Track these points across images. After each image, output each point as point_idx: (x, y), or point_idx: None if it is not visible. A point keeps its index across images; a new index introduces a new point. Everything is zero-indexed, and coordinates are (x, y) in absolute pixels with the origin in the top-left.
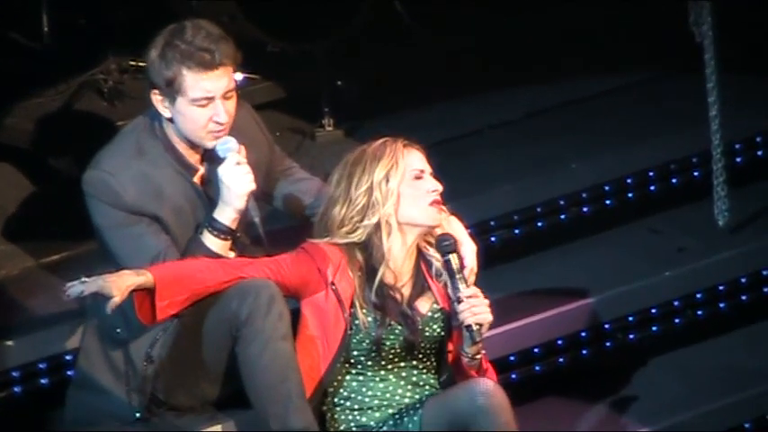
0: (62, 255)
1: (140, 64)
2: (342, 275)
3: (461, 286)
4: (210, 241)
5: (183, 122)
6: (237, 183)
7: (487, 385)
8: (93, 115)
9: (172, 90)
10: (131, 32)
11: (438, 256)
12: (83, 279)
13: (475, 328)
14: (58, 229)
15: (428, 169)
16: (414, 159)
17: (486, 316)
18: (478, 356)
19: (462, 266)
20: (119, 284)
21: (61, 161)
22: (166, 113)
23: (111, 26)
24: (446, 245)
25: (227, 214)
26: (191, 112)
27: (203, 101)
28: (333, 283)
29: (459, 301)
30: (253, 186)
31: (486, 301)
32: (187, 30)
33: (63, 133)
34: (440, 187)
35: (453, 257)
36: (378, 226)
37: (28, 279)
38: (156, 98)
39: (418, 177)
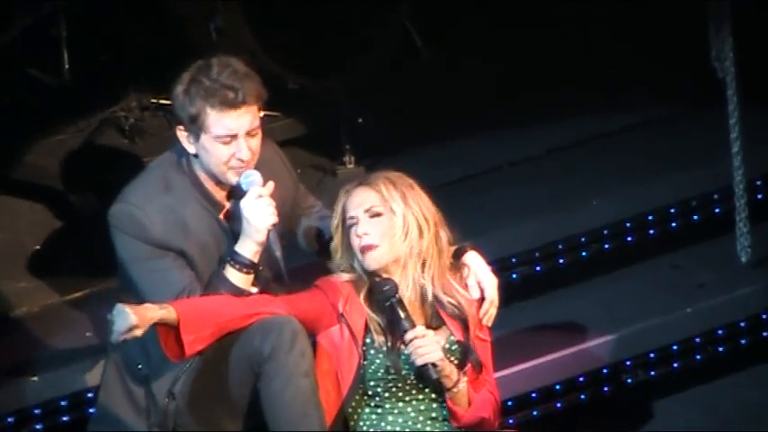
0: (83, 292)
1: (161, 101)
2: (352, 306)
3: (407, 326)
4: (233, 275)
5: (207, 158)
6: (258, 216)
7: None
8: (113, 152)
9: (195, 126)
10: (152, 70)
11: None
12: (108, 317)
13: (429, 367)
14: (79, 266)
15: (364, 208)
16: (349, 205)
17: (435, 354)
18: (456, 390)
19: (405, 308)
20: (142, 316)
21: (82, 198)
22: (191, 149)
23: (132, 63)
24: (386, 290)
25: (248, 247)
26: (214, 149)
27: (226, 138)
28: (343, 315)
29: (407, 343)
30: (274, 220)
31: (434, 339)
32: (213, 67)
33: (84, 170)
34: (365, 230)
35: (395, 300)
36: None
37: (49, 316)
38: (182, 133)
39: (351, 225)
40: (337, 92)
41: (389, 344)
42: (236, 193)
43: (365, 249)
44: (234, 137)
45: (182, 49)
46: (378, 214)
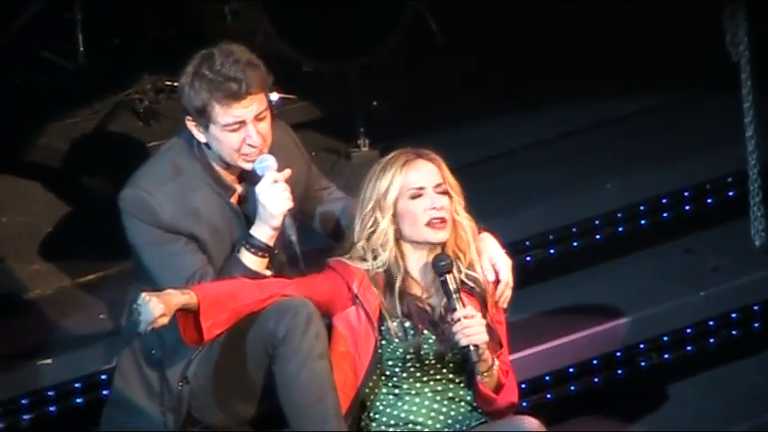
0: (97, 274)
1: (175, 84)
2: (366, 289)
3: (458, 306)
4: (248, 258)
5: (219, 147)
6: (274, 201)
7: (532, 425)
8: (128, 135)
9: (203, 118)
10: (166, 52)
11: (458, 273)
12: (135, 308)
13: (471, 348)
14: (93, 248)
15: (432, 183)
16: (414, 176)
17: (480, 336)
18: (488, 374)
19: (459, 287)
20: (167, 302)
21: (96, 181)
22: (201, 138)
23: (146, 46)
24: (442, 265)
25: (264, 232)
26: (224, 138)
27: (235, 125)
28: (357, 297)
29: (454, 322)
30: (289, 205)
31: (482, 321)
32: (216, 58)
33: (98, 153)
34: (441, 203)
35: (449, 277)
36: (385, 243)
37: (63, 299)
38: (191, 124)
39: (415, 196)
40: (352, 75)
41: (408, 326)
42: (249, 177)
43: (438, 223)
44: (242, 123)
45: (196, 32)
46: (445, 192)
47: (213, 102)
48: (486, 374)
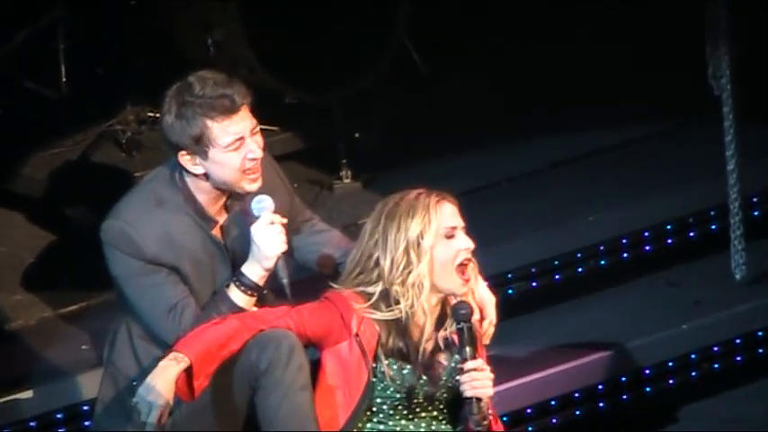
0: (79, 305)
1: (158, 115)
2: (366, 326)
3: (470, 356)
4: (236, 295)
5: (221, 171)
6: (269, 243)
7: None
8: (110, 166)
9: (201, 145)
10: (149, 83)
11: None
12: (134, 406)
13: (475, 401)
14: (76, 279)
15: (461, 224)
16: (446, 215)
17: (486, 390)
18: (483, 424)
19: (475, 337)
20: (166, 381)
21: (78, 211)
22: (199, 170)
23: (130, 77)
24: (463, 313)
25: (255, 271)
26: (226, 159)
27: (235, 143)
28: (357, 335)
29: (463, 372)
30: (284, 248)
31: (490, 375)
32: (194, 84)
33: (80, 183)
34: (471, 245)
35: (466, 327)
36: (421, 288)
37: (45, 329)
38: (185, 159)
39: (450, 236)
40: (335, 107)
41: (404, 367)
42: (231, 208)
43: (465, 264)
44: (241, 140)
45: (179, 64)
46: (467, 232)
47: (209, 123)
48: (480, 425)
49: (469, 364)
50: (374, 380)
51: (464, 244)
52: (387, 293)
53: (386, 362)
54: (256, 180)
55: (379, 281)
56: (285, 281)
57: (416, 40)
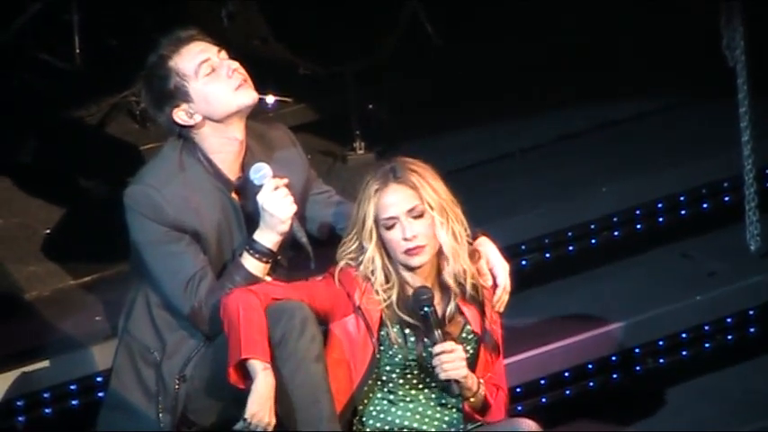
0: (94, 276)
1: None
2: (368, 298)
3: (438, 340)
4: (251, 264)
5: (215, 100)
6: (279, 208)
7: (530, 427)
8: (124, 137)
9: (182, 87)
10: None
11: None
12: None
13: (452, 384)
14: (91, 249)
15: (404, 210)
16: (385, 205)
17: (459, 372)
18: (474, 399)
19: (441, 320)
20: (266, 403)
21: (92, 182)
22: (197, 117)
23: (143, 48)
24: (423, 299)
25: (269, 237)
26: (210, 87)
27: (207, 68)
28: (359, 308)
29: (434, 356)
30: (294, 208)
31: (461, 355)
32: (159, 48)
33: (94, 154)
34: (413, 231)
35: (430, 311)
36: (375, 269)
37: (60, 300)
38: (180, 117)
39: (389, 227)
40: (348, 78)
41: (409, 334)
42: (246, 167)
43: (414, 252)
44: (206, 60)
45: None
46: (421, 214)
47: (173, 62)
48: (472, 400)
49: (437, 348)
50: (381, 348)
51: (400, 234)
52: None
53: (393, 329)
54: (246, 86)
55: (350, 254)
56: (304, 240)
57: (429, 11)
